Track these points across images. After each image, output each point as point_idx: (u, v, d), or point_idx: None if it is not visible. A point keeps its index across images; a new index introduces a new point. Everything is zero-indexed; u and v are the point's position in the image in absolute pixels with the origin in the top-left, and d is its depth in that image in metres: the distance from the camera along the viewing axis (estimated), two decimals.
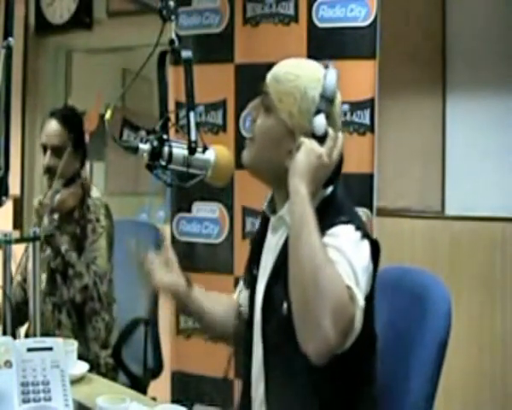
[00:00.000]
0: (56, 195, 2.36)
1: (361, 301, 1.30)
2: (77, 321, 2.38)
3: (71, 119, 2.48)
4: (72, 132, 2.44)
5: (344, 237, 1.37)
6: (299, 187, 1.37)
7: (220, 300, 1.74)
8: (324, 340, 1.24)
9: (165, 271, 1.61)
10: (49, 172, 2.41)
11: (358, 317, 1.30)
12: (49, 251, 2.38)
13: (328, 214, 1.42)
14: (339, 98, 1.50)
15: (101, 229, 2.42)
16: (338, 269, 1.29)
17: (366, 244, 1.39)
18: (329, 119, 1.44)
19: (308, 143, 1.41)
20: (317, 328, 1.25)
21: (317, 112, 1.43)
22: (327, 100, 1.44)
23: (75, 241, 2.40)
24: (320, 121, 1.42)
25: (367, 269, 1.37)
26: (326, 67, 1.49)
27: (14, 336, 1.74)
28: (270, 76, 1.51)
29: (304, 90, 1.45)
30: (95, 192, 2.50)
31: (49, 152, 2.42)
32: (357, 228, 1.39)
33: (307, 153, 1.40)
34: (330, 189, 1.50)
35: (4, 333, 1.69)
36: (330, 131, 1.44)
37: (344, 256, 1.32)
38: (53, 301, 2.38)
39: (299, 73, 1.48)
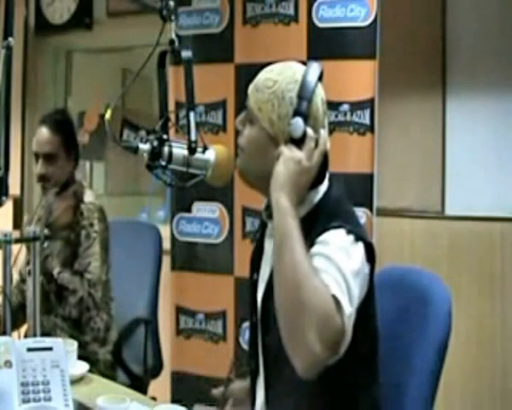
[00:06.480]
0: (50, 209, 2.36)
1: (348, 310, 1.26)
2: (74, 328, 2.37)
3: (61, 124, 2.48)
4: (63, 138, 2.45)
5: (334, 244, 1.33)
6: (280, 200, 1.34)
7: None
8: (310, 355, 1.21)
9: None
10: (43, 179, 2.43)
11: (347, 326, 1.26)
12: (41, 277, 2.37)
13: (319, 220, 1.40)
14: (320, 94, 1.45)
15: (94, 234, 2.41)
16: (325, 278, 1.26)
17: (359, 247, 1.36)
18: (309, 118, 1.40)
19: (286, 152, 1.38)
20: (303, 343, 1.22)
21: (294, 114, 1.39)
22: (304, 99, 1.39)
23: (68, 248, 2.39)
24: (297, 124, 1.38)
25: (359, 273, 1.33)
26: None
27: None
28: (251, 86, 1.49)
29: (281, 95, 1.42)
30: (88, 196, 2.48)
31: (41, 160, 2.42)
32: (349, 232, 1.35)
33: (285, 162, 1.37)
34: (323, 191, 1.47)
35: (4, 333, 1.69)
36: (309, 131, 1.39)
37: (333, 263, 1.29)
38: (51, 320, 2.36)
39: (277, 79, 1.44)
